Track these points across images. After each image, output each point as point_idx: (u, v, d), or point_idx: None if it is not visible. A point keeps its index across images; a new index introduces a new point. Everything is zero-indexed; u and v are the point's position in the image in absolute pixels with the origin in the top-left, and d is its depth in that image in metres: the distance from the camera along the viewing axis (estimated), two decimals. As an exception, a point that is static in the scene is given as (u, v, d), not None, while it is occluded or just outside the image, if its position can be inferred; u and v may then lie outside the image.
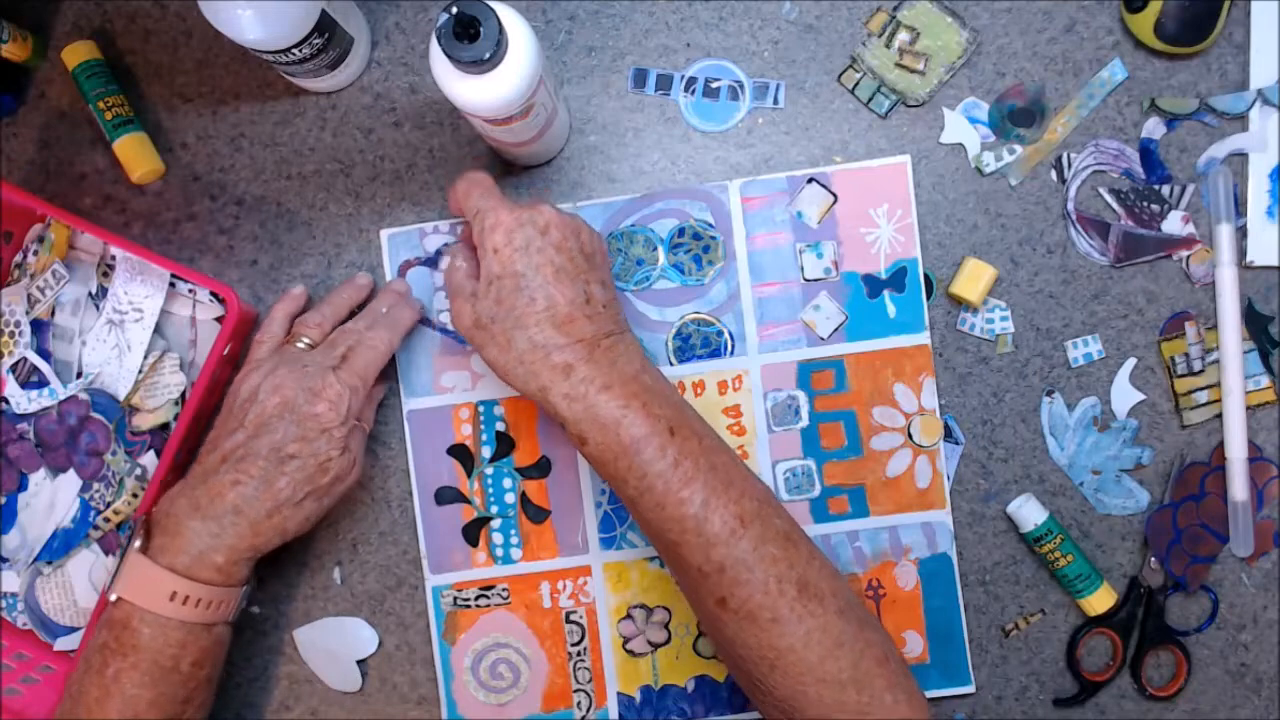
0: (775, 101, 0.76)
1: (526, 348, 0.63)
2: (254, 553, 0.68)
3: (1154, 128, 0.75)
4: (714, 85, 0.76)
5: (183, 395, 0.76)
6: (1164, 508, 0.75)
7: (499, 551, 0.76)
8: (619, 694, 0.76)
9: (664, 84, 0.76)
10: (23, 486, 0.76)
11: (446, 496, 0.77)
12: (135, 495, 0.75)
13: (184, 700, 0.67)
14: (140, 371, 0.75)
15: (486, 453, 0.77)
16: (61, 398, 0.75)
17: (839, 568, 0.75)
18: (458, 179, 0.68)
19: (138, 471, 0.75)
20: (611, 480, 0.64)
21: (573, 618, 0.76)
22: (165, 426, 0.76)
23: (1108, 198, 0.76)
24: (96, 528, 0.76)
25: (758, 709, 0.65)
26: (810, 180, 0.76)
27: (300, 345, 0.71)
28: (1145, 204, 0.75)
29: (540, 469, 0.76)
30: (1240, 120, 0.75)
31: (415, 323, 0.74)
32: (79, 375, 0.76)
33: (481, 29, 0.59)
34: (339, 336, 0.71)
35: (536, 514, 0.77)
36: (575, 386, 0.63)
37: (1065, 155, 0.76)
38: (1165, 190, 0.75)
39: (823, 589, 0.62)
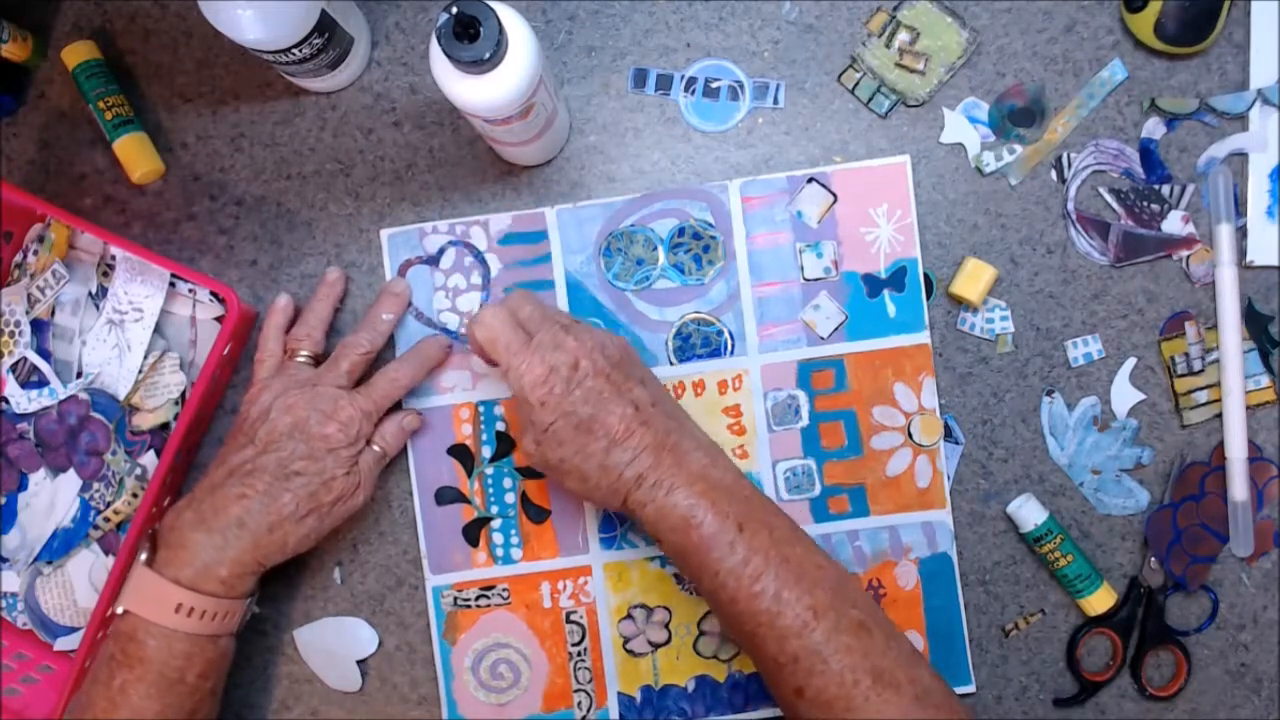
0: (775, 101, 0.76)
1: (599, 475, 0.65)
2: (258, 566, 0.68)
3: (1154, 128, 0.75)
4: (714, 85, 0.76)
5: (183, 395, 0.76)
6: (1164, 508, 0.75)
7: (499, 551, 0.76)
8: (619, 694, 0.76)
9: (664, 84, 0.76)
10: (23, 486, 0.76)
11: (447, 496, 0.77)
12: (135, 495, 0.75)
13: (190, 712, 0.67)
14: (140, 371, 0.75)
15: (487, 452, 0.77)
16: (61, 398, 0.75)
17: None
18: (473, 326, 0.67)
19: (138, 471, 0.75)
20: (688, 574, 0.66)
21: (573, 618, 0.76)
22: (165, 426, 0.76)
23: (1108, 198, 0.76)
24: (96, 528, 0.76)
25: None
26: (810, 180, 0.76)
27: (301, 360, 0.72)
28: (1145, 204, 0.75)
29: (540, 469, 0.77)
30: (1240, 120, 0.75)
31: (442, 361, 0.75)
32: (79, 375, 0.76)
33: (481, 29, 0.59)
34: (342, 351, 0.72)
35: (537, 514, 0.77)
36: (647, 492, 0.65)
37: (1065, 155, 0.76)
38: (1165, 190, 0.75)
39: (899, 677, 0.62)
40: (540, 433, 0.66)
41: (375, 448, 0.72)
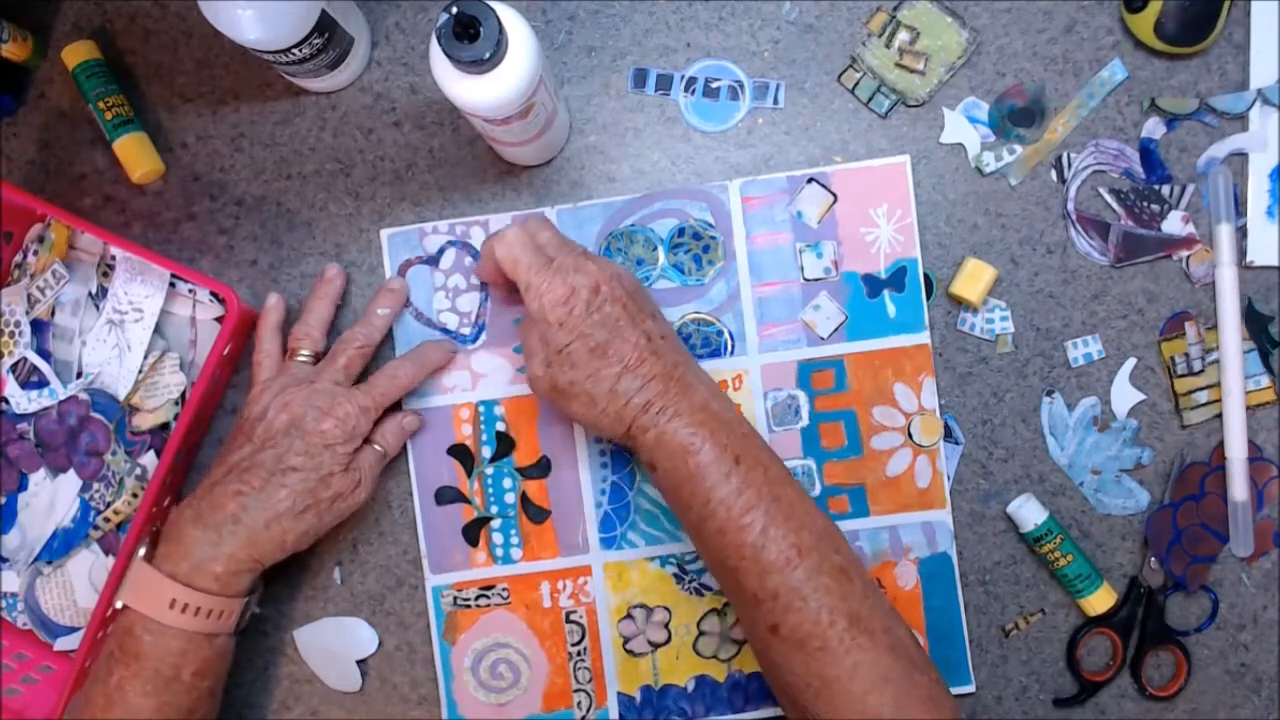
0: (775, 101, 0.76)
1: (608, 400, 0.66)
2: (254, 564, 0.68)
3: (1154, 128, 0.75)
4: (714, 85, 0.76)
5: (183, 395, 0.76)
6: (1164, 508, 0.75)
7: (499, 551, 0.76)
8: (619, 694, 0.76)
9: (664, 84, 0.76)
10: (23, 486, 0.76)
11: (447, 496, 0.77)
12: (135, 495, 0.75)
13: (187, 710, 0.67)
14: (140, 371, 0.75)
15: (487, 452, 0.77)
16: (61, 398, 0.75)
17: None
18: (494, 243, 0.68)
19: (138, 471, 0.75)
20: (677, 506, 0.66)
21: (573, 617, 0.76)
22: (165, 426, 0.76)
23: (1108, 198, 0.76)
24: (96, 528, 0.76)
25: None
26: (810, 180, 0.76)
27: (301, 359, 0.72)
28: (1145, 204, 0.75)
29: (540, 469, 0.76)
30: (1240, 120, 0.75)
31: (445, 364, 0.76)
32: (79, 375, 0.76)
33: (481, 29, 0.59)
34: (339, 347, 0.72)
35: (537, 514, 0.77)
36: (651, 419, 0.65)
37: (1065, 155, 0.76)
38: (1165, 190, 0.75)
39: (874, 625, 0.63)
40: (554, 353, 0.66)
41: (376, 447, 0.72)
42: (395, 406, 0.75)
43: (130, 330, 0.75)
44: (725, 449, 0.65)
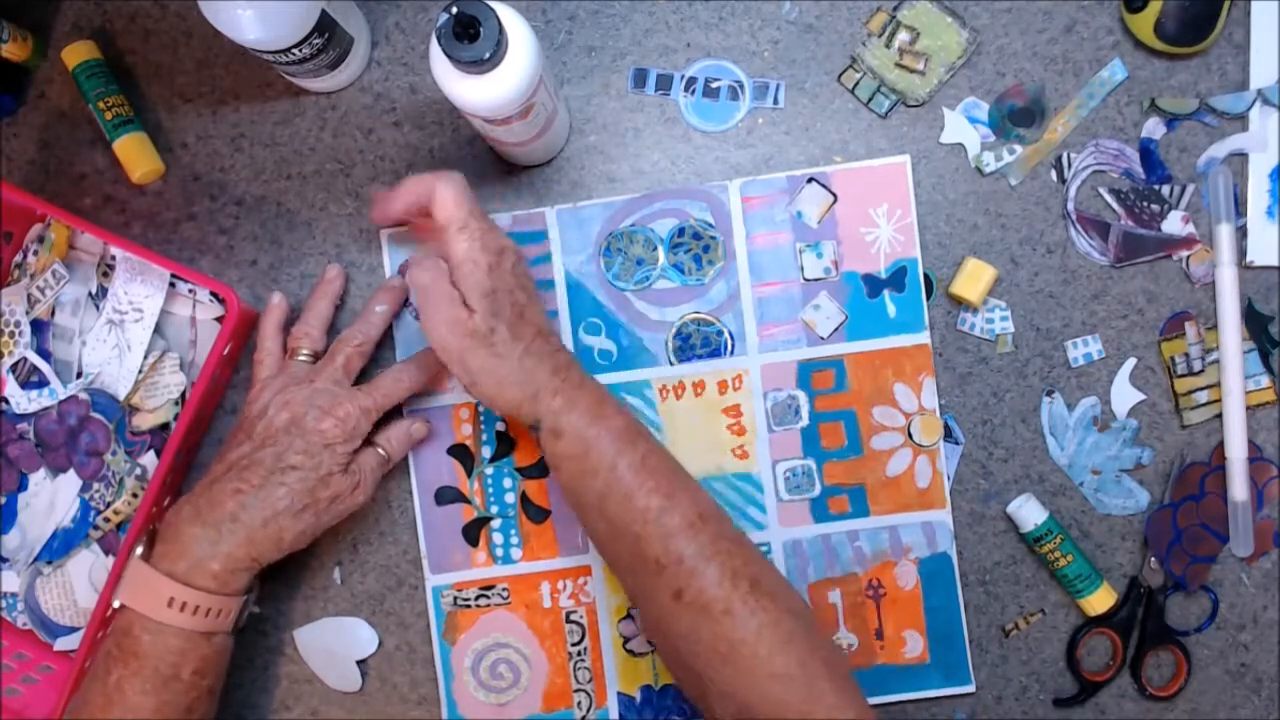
0: (775, 101, 0.76)
1: (522, 358, 0.66)
2: (252, 563, 0.68)
3: (1154, 128, 0.75)
4: (714, 85, 0.76)
5: (183, 395, 0.76)
6: (1164, 508, 0.75)
7: (499, 551, 0.76)
8: (619, 694, 0.76)
9: (664, 84, 0.76)
10: (23, 486, 0.76)
11: (446, 496, 0.77)
12: (135, 495, 0.75)
13: (186, 709, 0.67)
14: (140, 371, 0.75)
15: (486, 452, 0.77)
16: (61, 398, 0.75)
17: (839, 568, 0.75)
18: (438, 178, 0.68)
19: (138, 471, 0.75)
20: (579, 476, 0.66)
21: (573, 617, 0.76)
22: (165, 426, 0.76)
23: (1108, 198, 0.76)
24: (96, 528, 0.76)
25: (703, 710, 0.66)
26: (810, 180, 0.76)
27: (301, 358, 0.72)
28: (1145, 204, 0.75)
29: (540, 469, 0.76)
30: (1240, 120, 0.75)
31: (449, 371, 0.75)
32: (79, 375, 0.76)
33: (481, 29, 0.59)
34: (337, 345, 0.72)
35: (537, 514, 0.77)
36: (560, 384, 0.66)
37: (1065, 155, 0.76)
38: (1165, 190, 0.75)
39: (775, 589, 0.64)
40: (479, 297, 0.65)
41: (380, 451, 0.72)
42: (397, 410, 0.75)
43: (130, 330, 0.75)
44: (629, 418, 0.67)
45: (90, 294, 0.76)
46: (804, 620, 0.64)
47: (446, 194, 0.67)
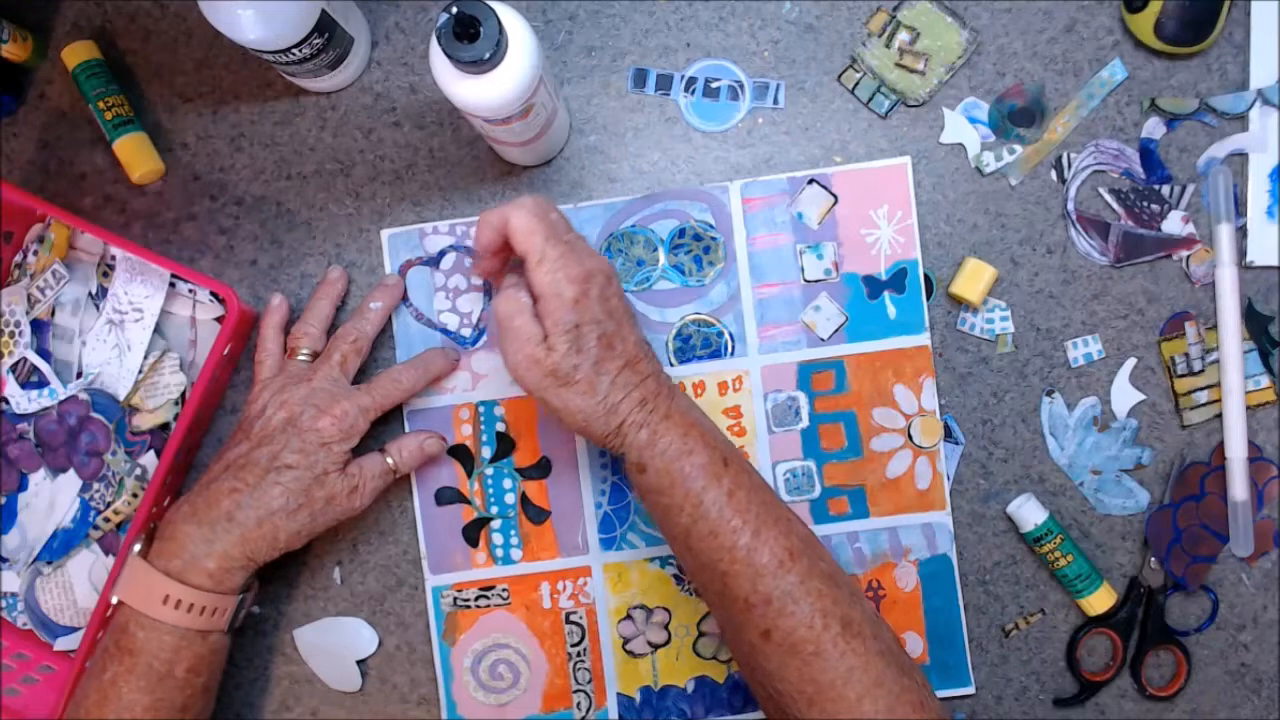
0: (775, 101, 0.76)
1: (609, 391, 0.64)
2: (247, 562, 0.68)
3: (1154, 128, 0.75)
4: (714, 85, 0.76)
5: (183, 395, 0.76)
6: (1164, 508, 0.75)
7: (499, 552, 0.76)
8: (619, 694, 0.76)
9: (664, 84, 0.76)
10: (23, 486, 0.76)
11: (446, 497, 0.77)
12: (135, 495, 0.75)
13: (181, 707, 0.67)
14: (140, 371, 0.75)
15: (487, 453, 0.77)
16: (61, 398, 0.75)
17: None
18: (511, 209, 0.64)
19: (138, 471, 0.75)
20: (665, 510, 0.65)
21: (573, 618, 0.76)
22: (165, 426, 0.76)
23: (1108, 198, 0.76)
24: (96, 528, 0.76)
25: None
26: (811, 181, 0.76)
27: (301, 358, 0.72)
28: (1145, 204, 0.75)
29: (540, 469, 0.77)
30: (1240, 120, 0.75)
31: (448, 372, 0.75)
32: (79, 375, 0.76)
33: (481, 29, 0.59)
34: (333, 344, 0.72)
35: (536, 514, 0.77)
36: (645, 416, 0.64)
37: (1065, 155, 0.76)
38: (1165, 190, 0.75)
39: (865, 630, 0.63)
40: (561, 333, 0.63)
41: (388, 460, 0.72)
42: (397, 412, 0.75)
43: (130, 330, 0.75)
44: (716, 450, 0.65)
45: (90, 294, 0.76)
46: (895, 661, 0.63)
47: (518, 225, 0.64)
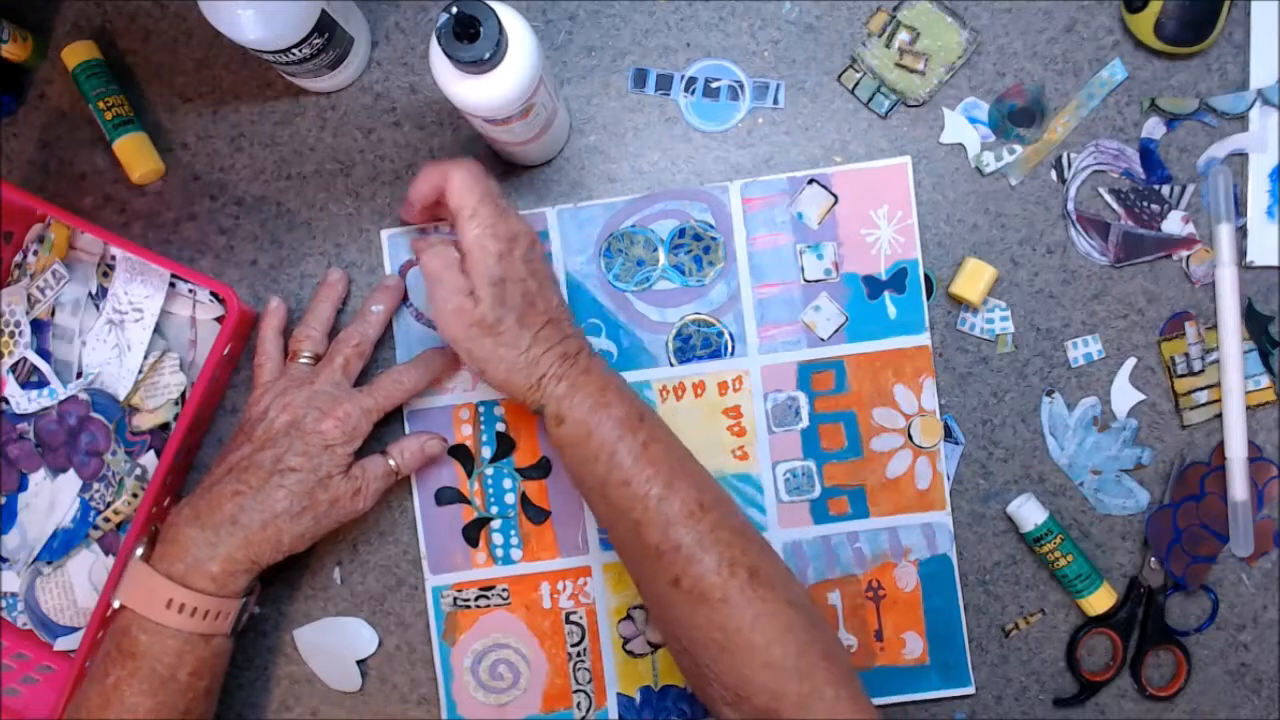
0: (775, 101, 0.76)
1: (532, 344, 0.66)
2: (251, 565, 0.68)
3: (1154, 128, 0.75)
4: (714, 85, 0.76)
5: (183, 395, 0.76)
6: (1164, 508, 0.75)
7: (499, 552, 0.76)
8: (619, 694, 0.76)
9: (664, 84, 0.76)
10: (23, 486, 0.76)
11: (446, 497, 0.77)
12: (135, 495, 0.75)
13: (184, 711, 0.67)
14: (140, 371, 0.75)
15: (487, 453, 0.77)
16: (61, 398, 0.75)
17: (839, 569, 0.75)
18: (452, 165, 0.67)
19: (138, 471, 0.75)
20: (581, 461, 0.66)
21: (573, 618, 0.76)
22: (165, 426, 0.76)
23: (1108, 198, 0.76)
24: (96, 528, 0.76)
25: (701, 697, 0.66)
26: (811, 181, 0.76)
27: (303, 361, 0.72)
28: (1145, 204, 0.75)
29: (540, 469, 0.77)
30: (1240, 120, 0.75)
31: (449, 373, 0.76)
32: (79, 375, 0.76)
33: (481, 29, 0.59)
34: (335, 347, 0.72)
35: (536, 514, 0.77)
36: (566, 371, 0.66)
37: (1065, 155, 0.76)
38: (1165, 190, 0.75)
39: (774, 579, 0.64)
40: (487, 286, 0.65)
41: (391, 462, 0.72)
42: (398, 413, 0.75)
43: (130, 330, 0.75)
44: (633, 406, 0.67)
45: (90, 294, 0.76)
46: (804, 612, 0.64)
47: (457, 180, 0.66)
